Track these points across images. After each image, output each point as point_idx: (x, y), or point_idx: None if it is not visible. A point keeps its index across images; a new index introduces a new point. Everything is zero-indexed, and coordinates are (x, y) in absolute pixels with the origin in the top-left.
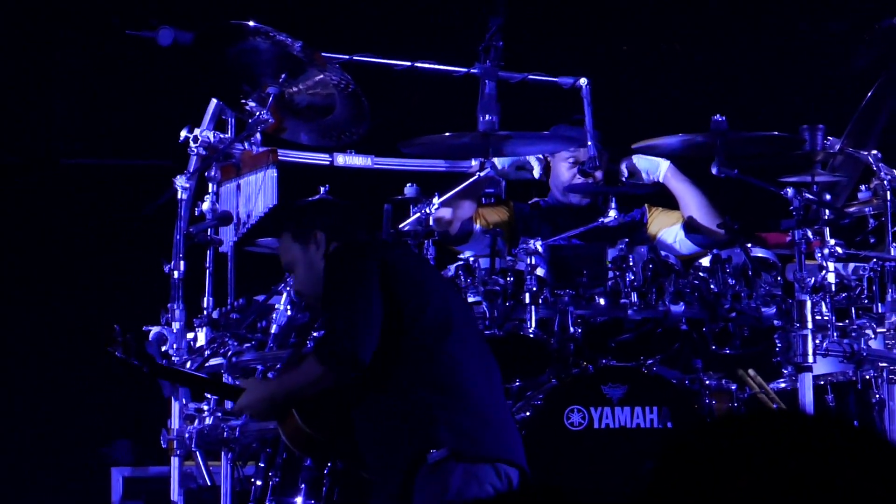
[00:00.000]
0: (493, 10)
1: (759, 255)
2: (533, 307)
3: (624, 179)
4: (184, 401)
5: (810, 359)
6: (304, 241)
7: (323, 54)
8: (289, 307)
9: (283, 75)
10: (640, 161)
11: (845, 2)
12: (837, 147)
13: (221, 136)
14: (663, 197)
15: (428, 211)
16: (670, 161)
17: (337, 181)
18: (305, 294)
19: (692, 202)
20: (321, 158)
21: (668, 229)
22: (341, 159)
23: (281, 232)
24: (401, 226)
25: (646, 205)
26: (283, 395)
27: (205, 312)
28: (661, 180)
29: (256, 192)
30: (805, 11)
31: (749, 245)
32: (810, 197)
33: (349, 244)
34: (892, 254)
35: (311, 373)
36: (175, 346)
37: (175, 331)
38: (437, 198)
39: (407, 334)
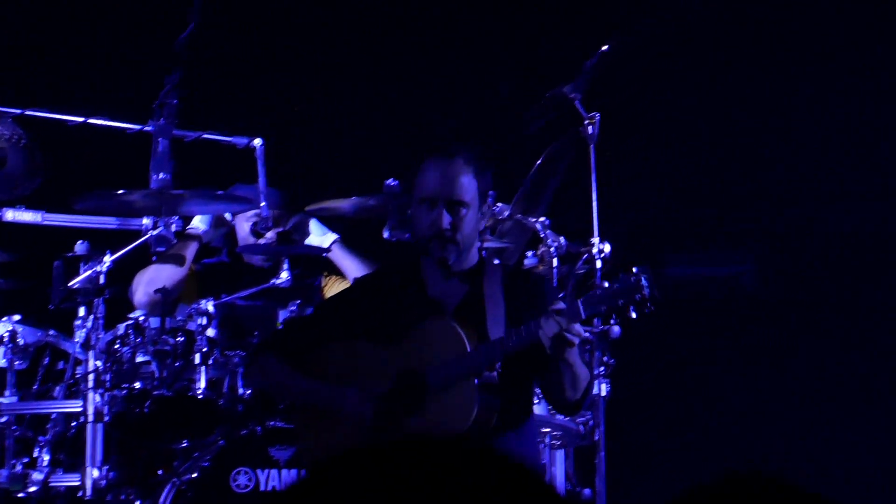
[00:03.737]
0: (168, 69)
1: None
2: (203, 367)
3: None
4: None
5: None
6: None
7: None
8: None
9: None
10: (312, 230)
11: (516, 67)
12: (507, 213)
13: None
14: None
15: (98, 269)
16: (338, 235)
17: (6, 236)
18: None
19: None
20: None
21: None
22: (10, 214)
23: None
24: (70, 283)
25: (324, 272)
26: None
27: None
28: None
29: None
30: (476, 74)
31: None
32: None
33: None
34: None
35: None
36: None
37: None
38: (108, 255)
39: None
